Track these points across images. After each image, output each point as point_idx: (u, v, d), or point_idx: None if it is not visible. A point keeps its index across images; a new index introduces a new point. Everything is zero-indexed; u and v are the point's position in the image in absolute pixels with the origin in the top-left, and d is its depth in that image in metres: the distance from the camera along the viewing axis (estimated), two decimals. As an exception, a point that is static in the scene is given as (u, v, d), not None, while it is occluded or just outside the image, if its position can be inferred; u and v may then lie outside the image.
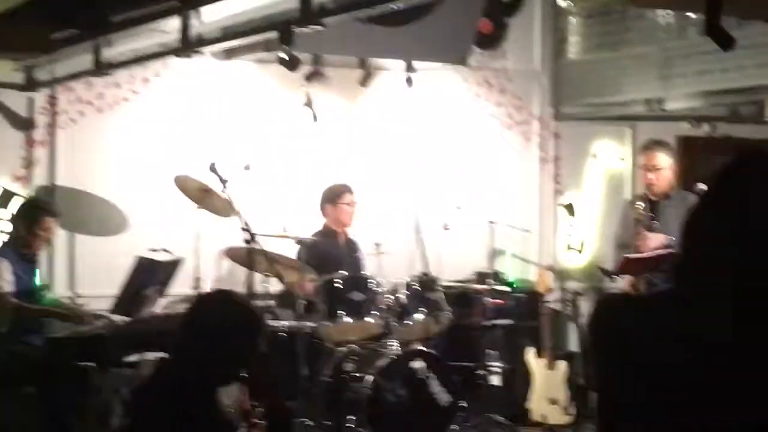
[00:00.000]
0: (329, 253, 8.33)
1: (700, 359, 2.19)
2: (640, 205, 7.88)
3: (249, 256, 7.18)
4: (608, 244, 8.69)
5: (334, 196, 8.56)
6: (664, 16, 9.06)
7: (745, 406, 2.13)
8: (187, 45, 6.75)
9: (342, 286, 7.86)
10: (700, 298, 2.24)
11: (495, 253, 9.03)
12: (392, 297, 7.97)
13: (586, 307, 9.43)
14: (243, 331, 3.79)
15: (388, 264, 8.22)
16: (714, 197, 2.32)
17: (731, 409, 2.14)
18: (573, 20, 10.17)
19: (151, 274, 7.52)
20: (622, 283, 8.08)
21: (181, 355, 3.79)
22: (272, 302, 8.11)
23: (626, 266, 7.70)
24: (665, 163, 7.87)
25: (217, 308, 3.87)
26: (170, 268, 7.71)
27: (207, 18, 6.73)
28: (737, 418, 2.13)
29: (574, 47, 10.18)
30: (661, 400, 2.24)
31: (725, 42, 5.44)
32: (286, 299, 8.40)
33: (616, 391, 2.36)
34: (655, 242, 7.50)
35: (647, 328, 2.31)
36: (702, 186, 7.91)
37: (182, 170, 7.78)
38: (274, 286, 7.66)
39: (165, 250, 7.90)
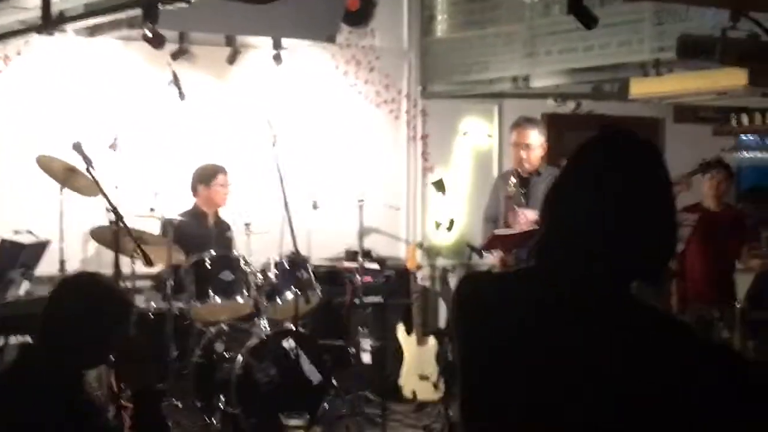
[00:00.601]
0: (198, 233, 8.25)
1: (558, 331, 2.25)
2: (512, 181, 7.99)
3: (115, 237, 7.07)
4: (477, 221, 8.80)
5: (207, 177, 8.46)
6: (530, -6, 9.17)
7: (599, 375, 2.19)
8: (49, 22, 6.60)
9: (211, 266, 7.80)
10: (558, 273, 2.29)
11: (364, 231, 9.05)
12: (262, 276, 7.95)
13: (455, 283, 9.51)
14: (109, 313, 3.73)
15: (257, 243, 8.19)
16: (570, 174, 2.38)
17: (586, 379, 2.20)
18: (440, -2, 10.23)
19: (15, 257, 7.37)
20: (492, 259, 8.18)
21: (46, 339, 3.72)
22: (140, 283, 8.00)
23: (494, 242, 7.79)
24: (537, 140, 7.98)
25: (81, 290, 3.81)
26: (35, 250, 7.56)
27: (69, -6, 6.60)
28: (592, 388, 2.19)
29: (441, 25, 10.24)
30: (521, 373, 2.29)
31: (589, 20, 5.54)
32: (154, 280, 8.32)
33: (477, 366, 2.40)
34: (525, 218, 7.60)
35: (508, 303, 2.36)
36: (567, 162, 7.85)
37: (46, 150, 7.63)
38: (142, 267, 7.55)
39: (29, 232, 7.76)
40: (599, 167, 2.32)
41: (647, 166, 2.32)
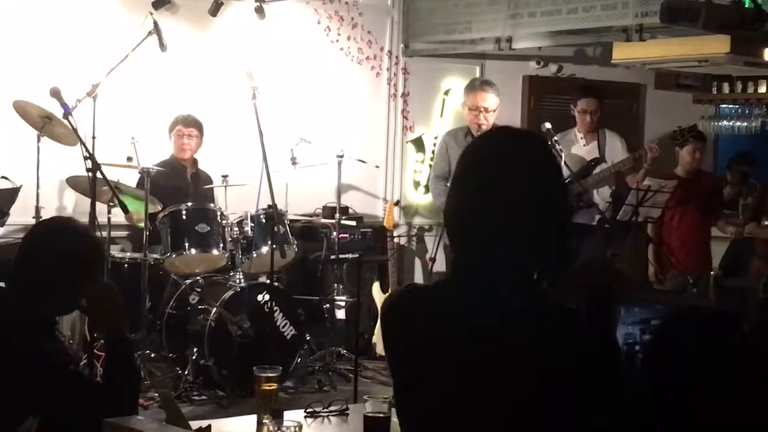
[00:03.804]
0: (174, 184, 8.22)
1: (473, 337, 2.30)
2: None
3: (92, 186, 7.03)
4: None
5: (170, 127, 8.44)
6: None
7: (513, 378, 2.25)
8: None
9: (187, 218, 7.79)
10: (462, 279, 2.38)
11: (342, 188, 9.03)
12: (238, 229, 7.93)
13: (431, 242, 9.54)
14: (81, 258, 3.71)
15: (235, 196, 8.16)
16: (459, 175, 2.41)
17: (500, 383, 2.26)
18: (425, -44, 10.15)
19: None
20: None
21: (19, 283, 3.70)
22: (115, 233, 7.98)
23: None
24: (494, 103, 8.01)
25: (55, 235, 3.79)
26: (8, 195, 7.53)
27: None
28: (508, 390, 2.26)
29: (426, -17, 10.16)
30: (440, 377, 2.35)
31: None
32: (130, 230, 8.29)
33: (405, 370, 2.47)
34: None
35: (428, 314, 2.40)
36: (548, 125, 8.02)
37: (23, 95, 7.58)
38: (118, 216, 7.51)
39: (4, 178, 7.72)
40: (482, 166, 2.37)
41: (531, 161, 2.35)
